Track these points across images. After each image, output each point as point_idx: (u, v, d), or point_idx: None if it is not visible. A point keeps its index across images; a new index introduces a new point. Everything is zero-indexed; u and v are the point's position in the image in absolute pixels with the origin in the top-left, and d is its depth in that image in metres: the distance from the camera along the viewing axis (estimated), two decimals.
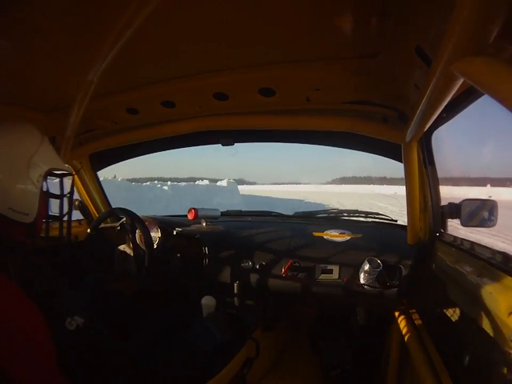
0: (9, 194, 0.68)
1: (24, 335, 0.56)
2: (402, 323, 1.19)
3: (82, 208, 1.67)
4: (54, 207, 0.99)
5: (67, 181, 1.00)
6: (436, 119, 0.78)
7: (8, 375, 0.53)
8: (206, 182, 16.66)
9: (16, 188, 0.69)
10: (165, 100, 1.19)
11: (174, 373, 0.73)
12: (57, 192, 0.94)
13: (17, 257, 0.63)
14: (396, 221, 1.57)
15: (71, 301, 0.64)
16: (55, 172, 0.87)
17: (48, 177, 0.83)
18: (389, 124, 1.07)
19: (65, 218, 1.01)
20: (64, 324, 0.59)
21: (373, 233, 1.37)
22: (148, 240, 1.27)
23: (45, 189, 0.80)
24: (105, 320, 0.70)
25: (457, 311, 0.84)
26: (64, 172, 0.93)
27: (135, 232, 1.45)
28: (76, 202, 1.64)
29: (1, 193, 0.68)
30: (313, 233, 1.40)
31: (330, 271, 1.22)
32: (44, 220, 0.85)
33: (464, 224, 1.10)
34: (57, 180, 0.94)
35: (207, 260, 1.37)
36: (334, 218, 1.70)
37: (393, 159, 1.25)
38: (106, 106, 1.24)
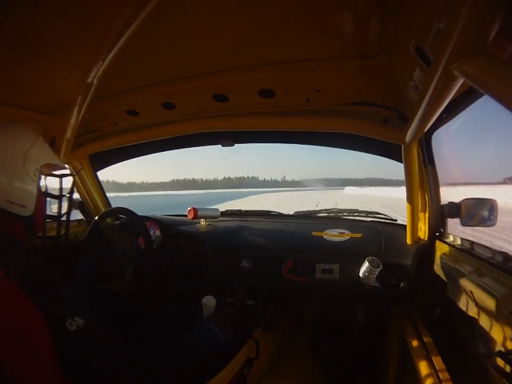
0: (6, 187, 0.71)
1: (24, 333, 0.56)
2: (402, 322, 1.19)
3: (83, 208, 1.67)
4: (53, 207, 1.00)
5: (67, 181, 1.01)
6: (436, 120, 0.78)
7: (7, 373, 0.53)
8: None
9: (13, 180, 0.72)
10: (165, 102, 1.19)
11: (177, 373, 0.73)
12: (57, 192, 0.95)
13: (18, 256, 0.63)
14: (396, 220, 1.57)
15: (71, 302, 0.65)
16: (55, 172, 0.88)
17: (48, 176, 0.84)
18: (389, 124, 1.07)
19: (64, 218, 1.02)
20: (65, 324, 0.59)
21: (373, 233, 1.37)
22: (148, 239, 1.27)
23: (43, 187, 0.82)
24: (105, 320, 0.70)
25: (457, 310, 0.85)
26: (64, 172, 0.94)
27: (135, 232, 1.45)
28: (76, 202, 1.65)
29: None
30: (313, 233, 1.41)
31: (331, 271, 1.22)
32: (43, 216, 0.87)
33: (464, 223, 1.10)
34: (57, 179, 0.95)
35: (207, 259, 1.37)
36: (334, 218, 1.70)
37: (393, 159, 1.25)
38: (107, 108, 1.24)
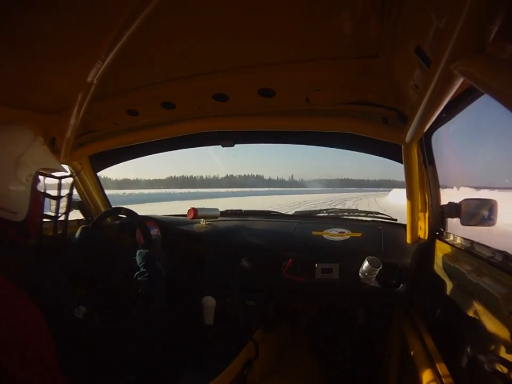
0: None
1: (24, 333, 0.56)
2: (402, 322, 1.19)
3: (82, 208, 1.67)
4: (52, 207, 0.99)
5: (67, 182, 1.00)
6: (435, 120, 0.78)
7: (8, 373, 0.53)
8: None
9: (2, 186, 0.70)
10: (165, 101, 1.18)
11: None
12: (55, 193, 0.95)
13: (18, 258, 0.64)
14: (396, 220, 1.57)
15: (71, 294, 0.73)
16: (54, 174, 0.88)
17: (48, 178, 0.83)
18: (389, 124, 1.07)
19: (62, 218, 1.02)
20: (73, 314, 0.67)
21: (373, 232, 1.37)
22: (148, 239, 1.27)
23: (41, 189, 0.81)
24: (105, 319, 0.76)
25: (457, 310, 0.85)
26: (63, 174, 0.93)
27: (135, 231, 1.45)
28: (76, 202, 1.64)
29: None
30: (312, 232, 1.41)
31: (330, 271, 1.22)
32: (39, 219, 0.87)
33: (464, 223, 1.10)
34: (56, 180, 0.95)
35: (206, 259, 1.37)
36: (334, 218, 1.70)
37: (393, 159, 1.26)
38: (106, 108, 1.24)
